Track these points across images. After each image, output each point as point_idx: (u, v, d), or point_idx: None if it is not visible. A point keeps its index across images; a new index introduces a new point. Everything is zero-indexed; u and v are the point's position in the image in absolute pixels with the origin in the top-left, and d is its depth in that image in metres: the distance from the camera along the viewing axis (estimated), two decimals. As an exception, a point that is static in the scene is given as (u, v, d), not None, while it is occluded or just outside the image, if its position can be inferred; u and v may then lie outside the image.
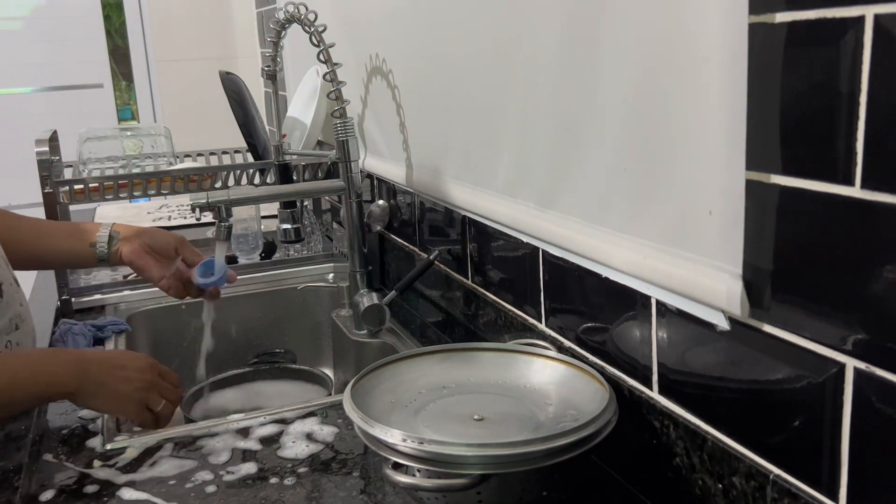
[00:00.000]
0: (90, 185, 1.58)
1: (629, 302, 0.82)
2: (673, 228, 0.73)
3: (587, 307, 0.90)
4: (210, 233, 1.89)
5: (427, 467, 0.74)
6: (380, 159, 1.51)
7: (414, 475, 0.75)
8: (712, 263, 0.68)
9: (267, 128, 1.91)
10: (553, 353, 0.92)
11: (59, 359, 1.02)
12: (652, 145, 0.74)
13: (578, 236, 0.87)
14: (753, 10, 0.60)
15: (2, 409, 0.98)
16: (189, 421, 1.22)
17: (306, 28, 1.28)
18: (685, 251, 0.71)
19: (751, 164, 0.63)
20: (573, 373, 0.88)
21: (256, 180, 1.73)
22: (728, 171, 0.64)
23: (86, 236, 1.23)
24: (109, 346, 1.29)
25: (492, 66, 1.02)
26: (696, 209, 0.69)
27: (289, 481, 0.89)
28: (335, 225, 1.91)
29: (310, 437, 0.98)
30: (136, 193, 1.63)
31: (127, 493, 0.87)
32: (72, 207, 1.71)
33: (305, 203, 1.80)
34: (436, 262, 1.28)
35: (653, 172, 0.74)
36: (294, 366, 1.43)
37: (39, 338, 1.27)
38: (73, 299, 1.47)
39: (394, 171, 1.43)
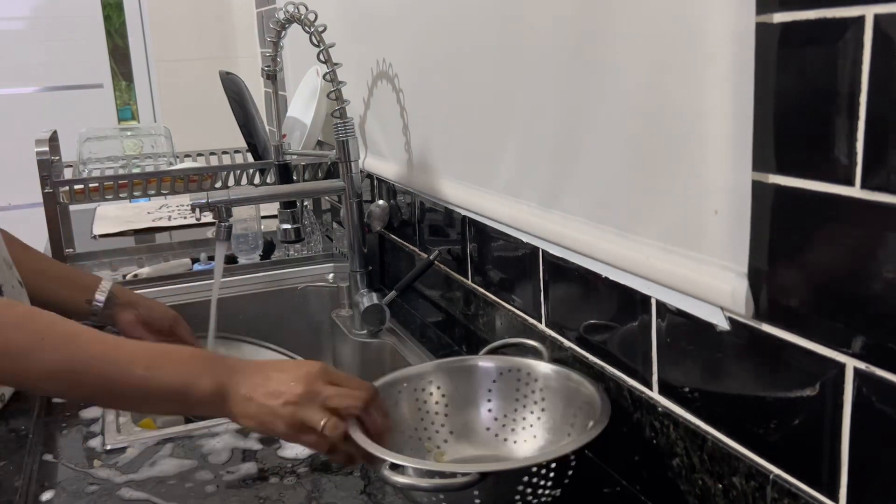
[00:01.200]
0: (90, 185, 1.58)
1: (629, 302, 0.82)
2: (677, 227, 0.73)
3: (587, 307, 0.90)
4: (210, 233, 1.89)
5: (424, 467, 0.74)
6: (380, 159, 1.51)
7: (411, 475, 0.75)
8: (717, 263, 0.68)
9: (267, 128, 1.91)
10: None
11: (200, 359, 0.87)
12: (657, 144, 0.73)
13: (581, 236, 0.87)
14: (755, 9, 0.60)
15: (139, 404, 0.89)
16: (189, 420, 1.22)
17: (306, 28, 1.29)
18: (689, 250, 0.71)
19: (752, 163, 0.63)
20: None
21: (256, 180, 1.73)
22: (735, 170, 0.64)
23: (85, 291, 1.23)
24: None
25: (496, 64, 1.02)
26: (701, 208, 0.69)
27: (289, 481, 0.89)
28: (335, 225, 1.91)
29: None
30: (136, 193, 1.63)
31: (127, 493, 0.87)
32: (72, 207, 1.71)
33: (305, 203, 1.80)
34: (436, 262, 1.28)
35: (658, 171, 0.74)
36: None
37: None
38: (73, 299, 1.47)
39: (394, 171, 1.43)
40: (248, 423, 0.84)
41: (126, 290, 1.28)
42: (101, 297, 1.22)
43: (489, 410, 0.92)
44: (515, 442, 0.91)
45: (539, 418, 0.90)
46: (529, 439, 0.90)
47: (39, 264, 1.24)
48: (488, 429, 0.91)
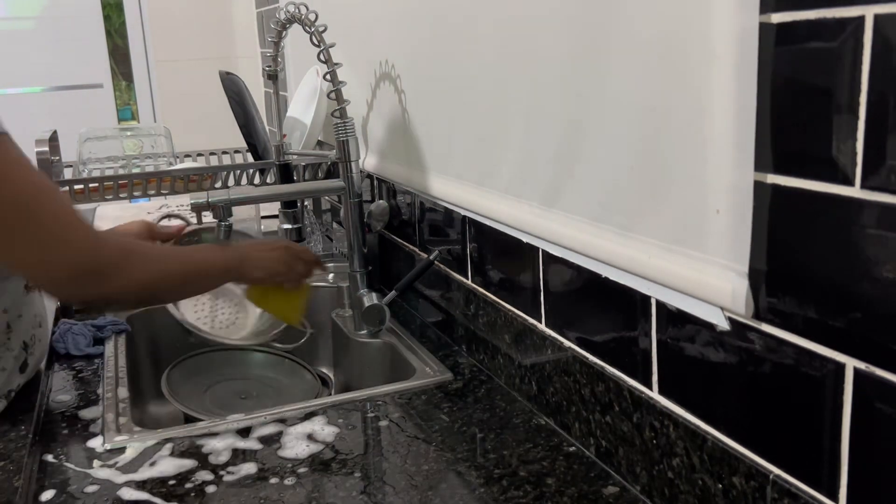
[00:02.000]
0: (90, 185, 1.58)
1: (629, 302, 0.82)
2: (679, 227, 0.73)
3: (587, 307, 0.90)
4: (210, 233, 1.89)
5: None
6: (380, 159, 1.51)
7: None
8: (718, 262, 0.68)
9: (267, 128, 1.91)
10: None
11: (223, 252, 1.17)
12: (660, 143, 0.74)
13: (582, 235, 0.87)
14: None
15: (189, 288, 1.16)
16: (189, 420, 1.22)
17: (307, 28, 1.28)
18: (691, 249, 0.71)
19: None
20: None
21: (256, 180, 1.73)
22: (737, 169, 0.64)
23: None
24: (109, 346, 1.29)
25: (498, 65, 1.02)
26: (702, 207, 0.69)
27: (289, 481, 0.89)
28: (335, 225, 1.91)
29: (310, 437, 0.98)
30: (136, 193, 1.63)
31: (127, 493, 0.87)
32: (72, 207, 1.70)
33: (305, 203, 1.80)
34: (436, 262, 1.28)
35: (660, 171, 0.74)
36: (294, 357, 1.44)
37: (39, 338, 1.28)
38: (73, 299, 1.47)
39: (394, 171, 1.43)
40: (261, 280, 1.23)
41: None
42: None
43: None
44: None
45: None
46: None
47: None
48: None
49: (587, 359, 0.90)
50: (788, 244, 0.62)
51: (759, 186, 0.63)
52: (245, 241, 1.28)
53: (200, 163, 2.01)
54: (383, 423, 1.02)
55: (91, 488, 0.89)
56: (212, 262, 1.12)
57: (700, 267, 0.70)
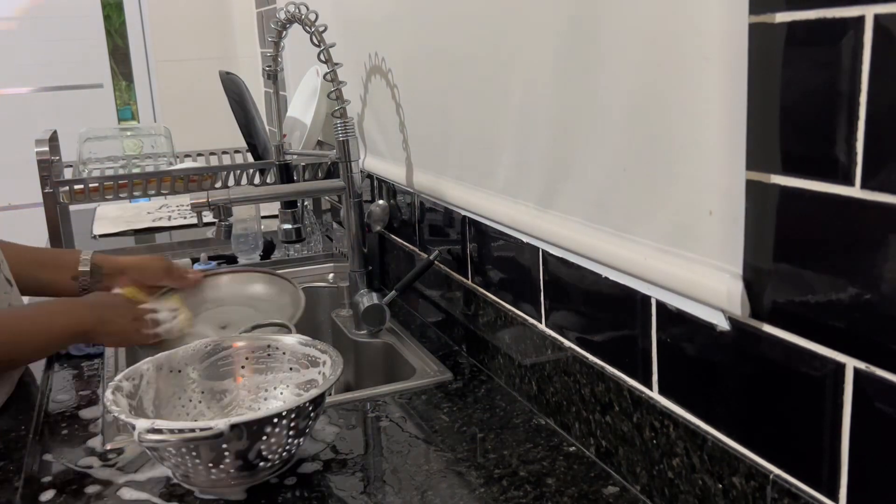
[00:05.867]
0: (90, 185, 1.58)
1: (629, 302, 0.82)
2: (673, 228, 0.73)
3: (587, 307, 0.90)
4: (210, 233, 1.89)
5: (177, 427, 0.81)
6: (380, 159, 1.51)
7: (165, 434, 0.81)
8: (713, 263, 0.68)
9: (267, 128, 1.91)
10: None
11: (76, 304, 1.13)
12: (652, 145, 0.74)
13: (578, 236, 0.87)
14: (754, 10, 0.60)
15: (31, 354, 1.12)
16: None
17: (307, 28, 1.29)
18: (685, 251, 0.71)
19: (751, 163, 0.63)
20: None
21: (256, 180, 1.73)
22: (728, 171, 0.64)
23: (68, 269, 1.22)
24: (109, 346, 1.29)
25: (491, 66, 1.02)
26: (696, 209, 0.69)
27: (289, 481, 0.89)
28: (335, 225, 1.91)
29: (310, 436, 0.98)
30: (136, 193, 1.63)
31: (127, 493, 0.87)
32: (72, 207, 1.71)
33: (305, 203, 1.80)
34: (436, 262, 1.28)
35: (653, 172, 0.74)
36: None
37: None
38: (73, 299, 1.47)
39: (394, 171, 1.43)
40: (109, 345, 1.24)
41: (108, 256, 1.27)
42: (84, 268, 1.22)
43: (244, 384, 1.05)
44: (266, 399, 1.02)
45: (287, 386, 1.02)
46: (280, 398, 1.02)
47: (21, 254, 1.22)
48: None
49: (587, 359, 0.90)
50: (789, 244, 0.62)
51: (761, 186, 0.63)
52: (100, 302, 1.16)
53: (200, 163, 2.01)
54: (383, 422, 1.02)
55: (91, 488, 0.89)
56: (62, 327, 1.09)
57: (695, 268, 0.70)
